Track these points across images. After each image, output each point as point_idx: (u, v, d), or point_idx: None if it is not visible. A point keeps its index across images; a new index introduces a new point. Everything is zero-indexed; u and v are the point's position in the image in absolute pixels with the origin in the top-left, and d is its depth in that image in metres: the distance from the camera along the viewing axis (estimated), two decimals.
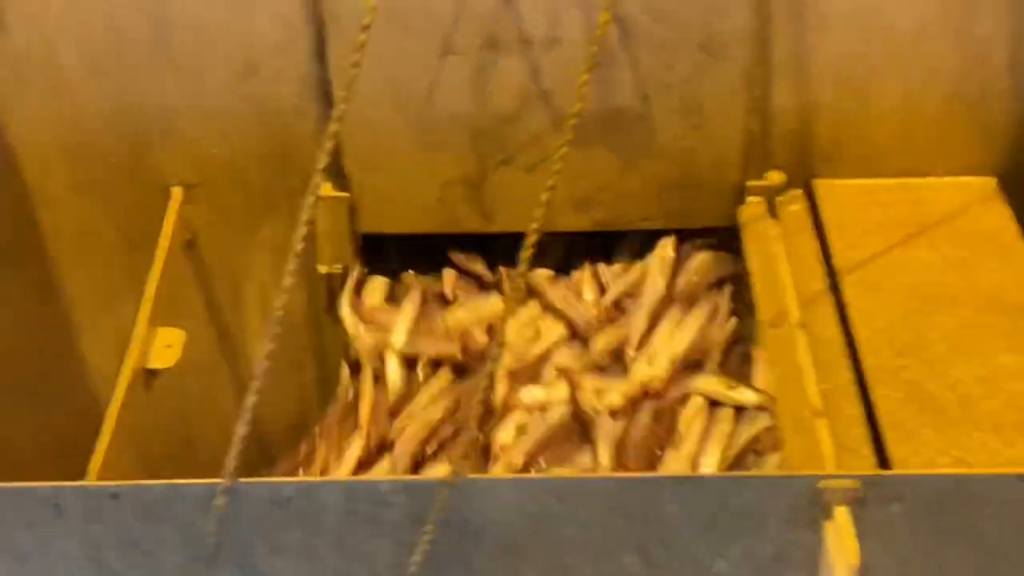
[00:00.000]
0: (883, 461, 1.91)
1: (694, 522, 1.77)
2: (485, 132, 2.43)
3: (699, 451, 2.21)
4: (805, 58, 2.37)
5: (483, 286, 2.56)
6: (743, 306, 2.47)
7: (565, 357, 2.38)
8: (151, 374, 2.21)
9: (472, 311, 2.47)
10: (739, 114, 2.41)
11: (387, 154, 2.45)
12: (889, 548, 1.77)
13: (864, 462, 1.91)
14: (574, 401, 2.29)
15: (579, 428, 2.28)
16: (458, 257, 2.57)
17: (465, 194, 2.49)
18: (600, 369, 2.36)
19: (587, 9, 2.30)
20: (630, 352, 2.36)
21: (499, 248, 2.53)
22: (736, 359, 2.39)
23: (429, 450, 2.27)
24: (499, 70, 2.38)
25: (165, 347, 2.22)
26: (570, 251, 2.58)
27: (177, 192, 2.47)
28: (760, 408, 2.24)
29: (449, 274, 2.56)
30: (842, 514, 1.73)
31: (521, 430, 2.27)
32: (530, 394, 2.33)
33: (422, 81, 2.39)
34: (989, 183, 2.45)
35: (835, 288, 2.25)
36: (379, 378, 2.41)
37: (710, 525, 1.77)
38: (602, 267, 2.55)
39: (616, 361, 2.38)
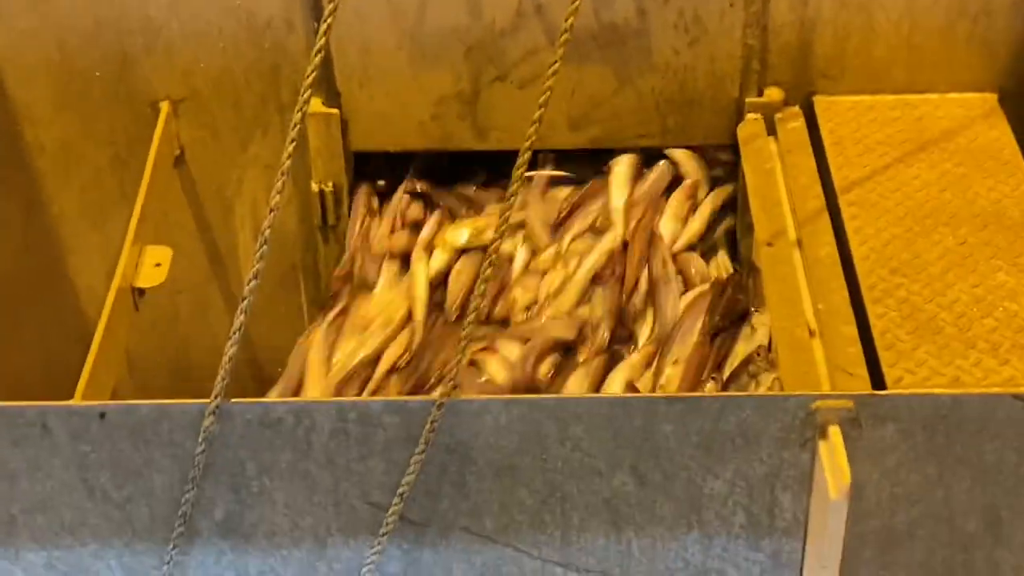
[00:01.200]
0: (878, 381, 1.90)
1: (687, 441, 1.76)
2: (479, 47, 2.39)
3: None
4: None
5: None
6: (743, 226, 2.45)
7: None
8: (139, 293, 2.18)
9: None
10: (737, 29, 2.37)
11: (379, 70, 2.42)
12: (883, 468, 1.77)
13: (858, 382, 1.90)
14: None
15: None
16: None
17: (459, 111, 2.46)
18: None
19: None
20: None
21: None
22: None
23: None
24: None
25: (153, 266, 2.20)
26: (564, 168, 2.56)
27: (165, 107, 2.44)
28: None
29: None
30: (836, 434, 1.72)
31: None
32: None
33: None
34: (990, 99, 2.42)
35: (833, 207, 2.23)
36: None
37: (704, 445, 1.76)
38: None
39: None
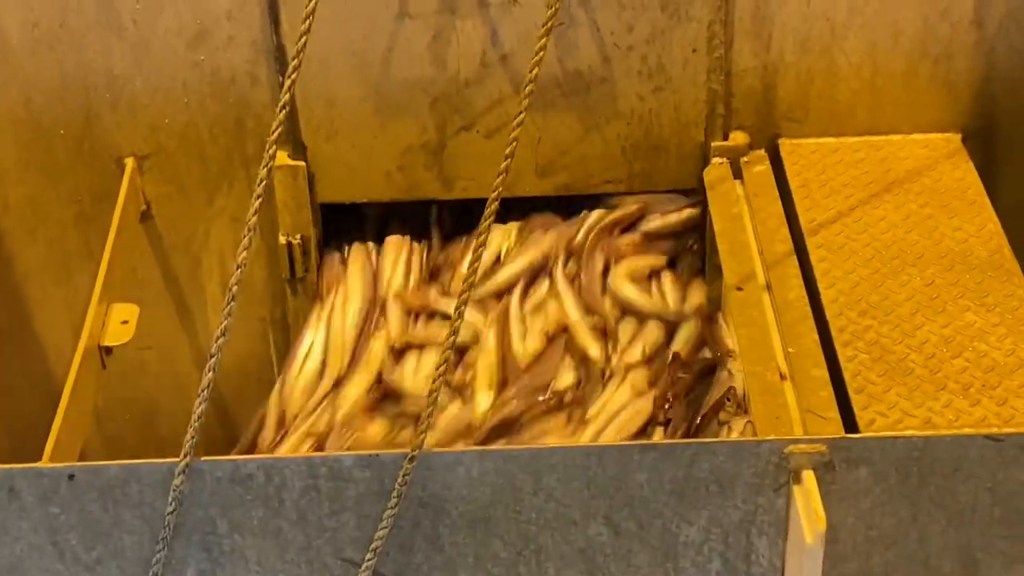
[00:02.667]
0: (850, 424, 1.90)
1: (662, 489, 1.76)
2: (445, 97, 2.40)
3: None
4: (767, 16, 2.35)
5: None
6: (712, 269, 2.45)
7: None
8: (106, 351, 2.17)
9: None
10: (701, 75, 2.38)
11: (345, 121, 2.42)
12: (858, 512, 1.77)
13: (831, 426, 1.90)
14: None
15: None
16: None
17: (425, 161, 2.46)
18: None
19: None
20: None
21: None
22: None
23: None
24: (457, 33, 2.34)
25: (120, 323, 2.19)
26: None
27: (130, 163, 2.43)
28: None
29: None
30: (810, 479, 1.72)
31: None
32: None
33: (379, 46, 2.35)
34: (953, 139, 2.44)
35: (801, 249, 2.23)
36: None
37: (678, 492, 1.76)
38: None
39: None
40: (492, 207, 1.67)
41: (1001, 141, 2.46)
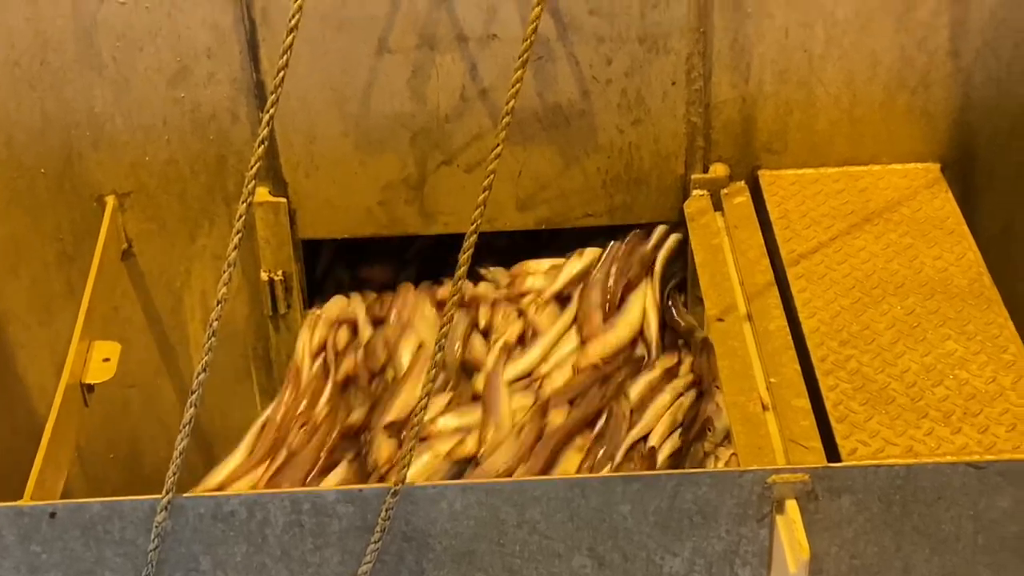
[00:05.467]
0: (832, 453, 1.90)
1: (645, 520, 1.75)
2: (424, 132, 2.41)
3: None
4: (745, 48, 2.37)
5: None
6: (693, 300, 2.46)
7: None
8: (88, 389, 2.16)
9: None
10: (680, 107, 2.39)
11: (325, 157, 2.42)
12: (841, 540, 1.77)
13: (813, 455, 1.90)
14: None
15: None
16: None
17: (406, 196, 2.46)
18: None
19: (523, 4, 2.28)
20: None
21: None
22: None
23: None
24: (437, 68, 2.35)
25: (102, 361, 2.18)
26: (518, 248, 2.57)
27: (111, 201, 2.43)
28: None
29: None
30: (793, 508, 1.72)
31: None
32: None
33: (359, 82, 2.36)
34: (932, 169, 2.45)
35: (782, 280, 2.24)
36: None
37: (661, 523, 1.76)
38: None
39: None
40: (470, 240, 1.68)
41: (980, 170, 2.48)
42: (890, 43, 2.36)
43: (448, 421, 2.23)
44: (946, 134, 2.44)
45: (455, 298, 1.67)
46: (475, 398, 2.31)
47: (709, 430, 2.14)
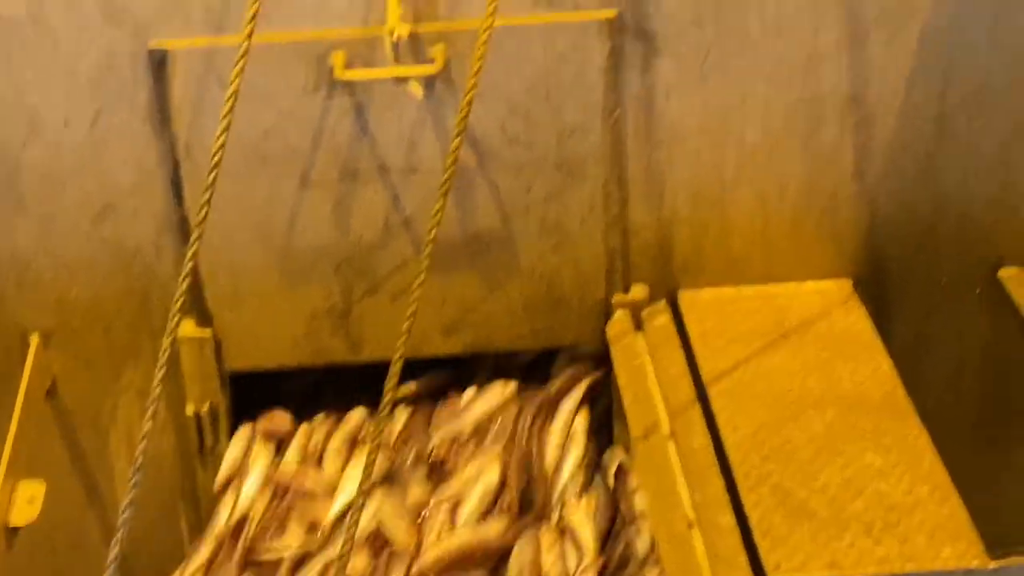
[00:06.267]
0: (758, 569, 1.92)
1: None
2: (349, 262, 2.43)
3: None
4: (660, 173, 2.42)
5: None
6: (620, 421, 2.48)
7: None
8: (12, 532, 2.13)
9: None
10: (599, 231, 2.44)
11: (250, 289, 2.43)
12: None
13: (739, 572, 1.91)
14: None
15: None
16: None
17: (332, 325, 2.48)
18: None
19: (443, 136, 2.33)
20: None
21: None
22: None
23: None
24: (359, 200, 2.38)
25: (27, 502, 2.15)
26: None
27: (35, 339, 2.42)
28: None
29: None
30: None
31: None
32: None
33: (283, 214, 2.39)
34: (845, 285, 2.51)
35: (703, 397, 2.28)
36: None
37: None
38: None
39: None
40: (396, 367, 1.70)
41: (891, 286, 2.54)
42: (797, 167, 2.42)
43: None
44: (856, 252, 2.51)
45: (380, 427, 1.69)
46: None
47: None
